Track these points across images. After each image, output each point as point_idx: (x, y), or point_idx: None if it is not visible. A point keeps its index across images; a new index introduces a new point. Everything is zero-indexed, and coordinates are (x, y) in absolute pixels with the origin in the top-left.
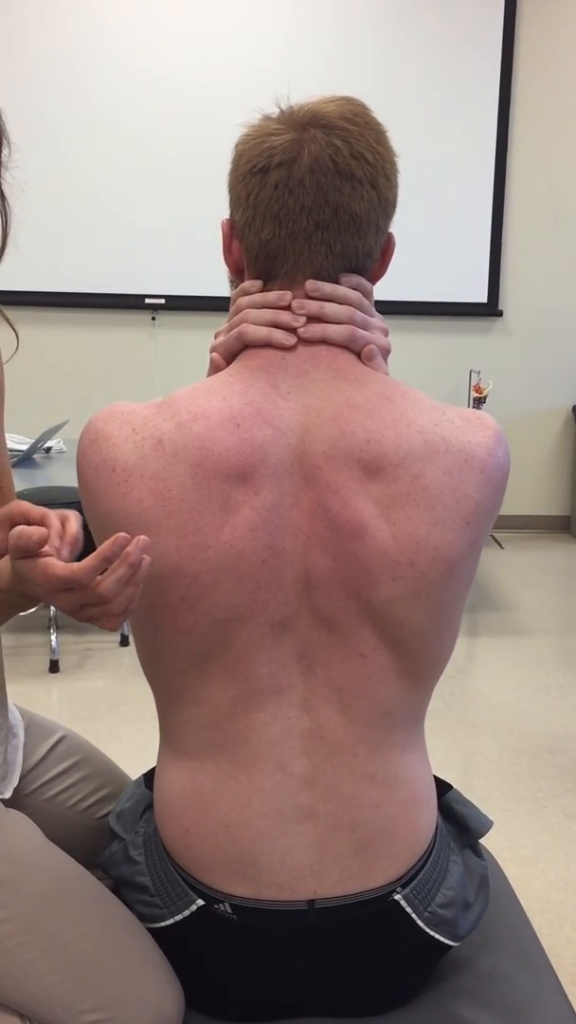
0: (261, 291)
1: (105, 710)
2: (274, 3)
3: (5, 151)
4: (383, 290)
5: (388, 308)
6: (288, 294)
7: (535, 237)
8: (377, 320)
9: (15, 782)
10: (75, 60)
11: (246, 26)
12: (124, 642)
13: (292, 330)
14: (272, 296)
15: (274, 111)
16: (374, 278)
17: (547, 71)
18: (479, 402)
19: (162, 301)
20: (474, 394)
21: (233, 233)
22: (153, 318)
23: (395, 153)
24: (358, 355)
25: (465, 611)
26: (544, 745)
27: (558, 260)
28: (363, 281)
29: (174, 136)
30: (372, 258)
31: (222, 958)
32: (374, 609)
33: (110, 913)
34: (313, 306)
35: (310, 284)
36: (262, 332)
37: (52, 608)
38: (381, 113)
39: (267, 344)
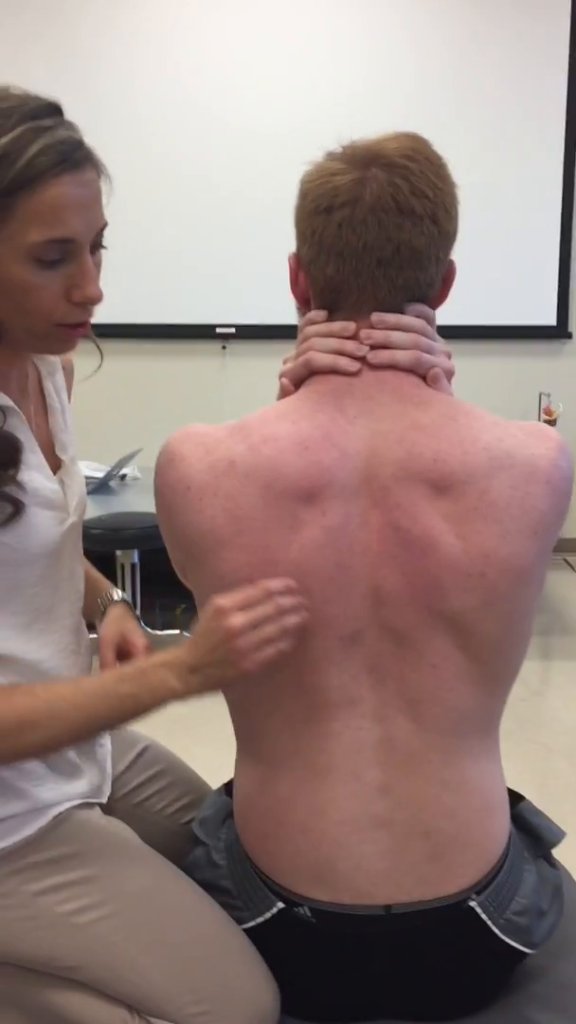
0: (327, 321)
1: (182, 731)
2: (338, 42)
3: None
4: (451, 315)
5: (456, 332)
6: (352, 325)
7: None
8: (440, 345)
9: (108, 789)
10: (144, 98)
11: (314, 63)
12: None
13: (357, 358)
14: (337, 326)
15: (337, 149)
16: (435, 304)
17: None
18: (550, 424)
19: (232, 331)
20: (544, 417)
21: (300, 267)
22: (223, 347)
23: (455, 184)
24: (423, 379)
25: (538, 634)
26: None
27: None
28: (426, 309)
29: (243, 170)
30: (434, 288)
31: (301, 959)
32: (445, 620)
33: (207, 911)
34: (379, 335)
35: (375, 317)
36: (328, 359)
37: None
38: (447, 134)
39: (333, 371)
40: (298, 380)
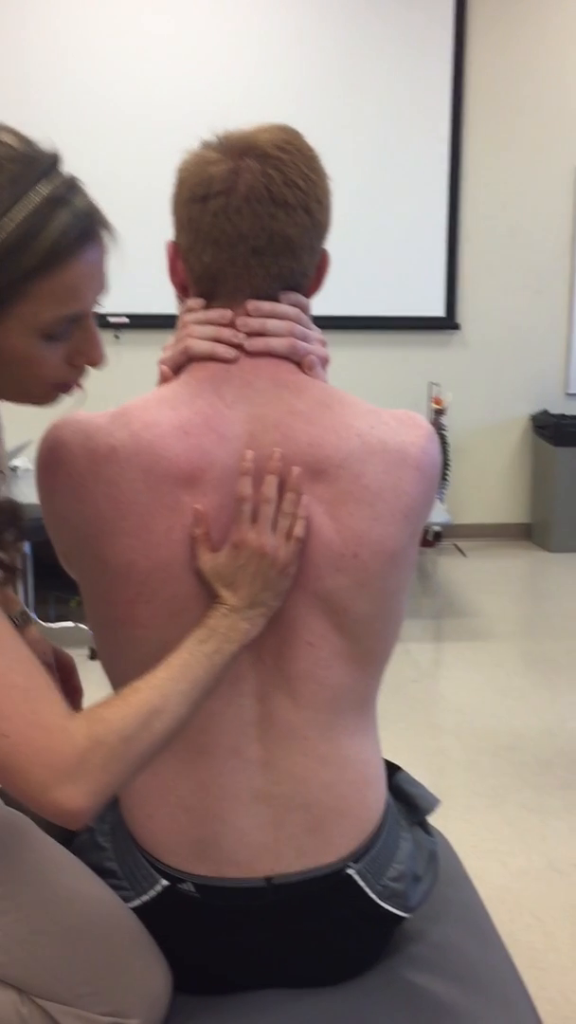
0: (204, 309)
1: None
2: (233, 34)
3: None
4: (342, 305)
5: (348, 323)
6: (229, 312)
7: (489, 252)
8: (315, 333)
9: None
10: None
11: (205, 53)
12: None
13: (234, 345)
14: (214, 314)
15: (212, 139)
16: (310, 293)
17: (497, 89)
18: (439, 414)
19: (125, 320)
20: (434, 406)
21: (177, 255)
22: (116, 336)
23: (328, 176)
24: (299, 366)
25: (430, 617)
26: (504, 743)
27: (512, 274)
28: (300, 298)
29: (129, 158)
30: (307, 276)
31: (187, 935)
32: (320, 600)
33: (98, 894)
34: (255, 323)
35: (251, 305)
36: (206, 346)
37: None
38: (336, 133)
39: (211, 357)
40: (177, 367)
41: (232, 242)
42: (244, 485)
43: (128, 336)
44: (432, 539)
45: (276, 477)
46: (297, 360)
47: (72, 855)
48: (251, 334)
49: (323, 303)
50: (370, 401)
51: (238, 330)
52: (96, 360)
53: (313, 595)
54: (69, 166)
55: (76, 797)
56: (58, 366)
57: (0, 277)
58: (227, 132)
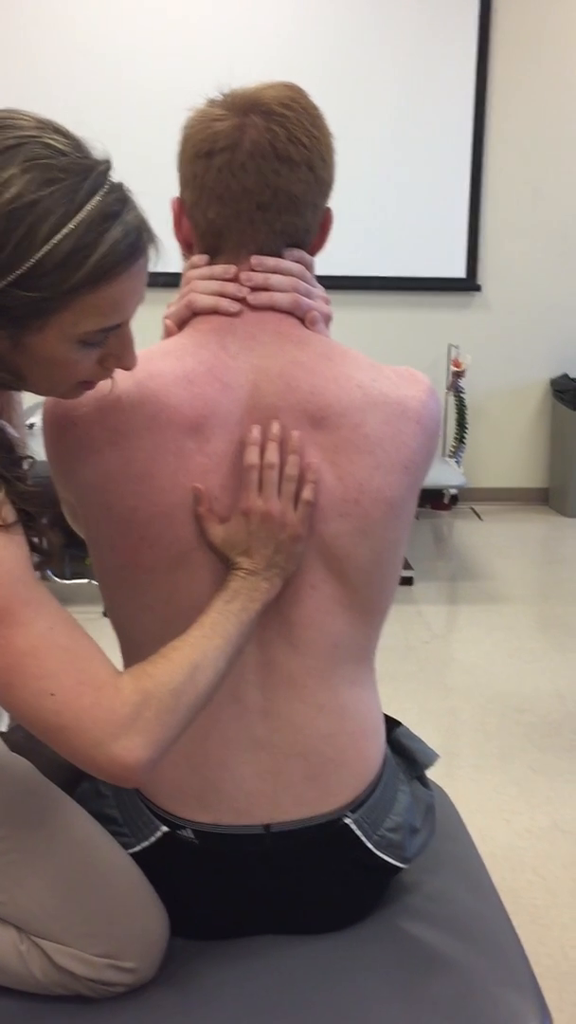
0: (208, 265)
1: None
2: None
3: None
4: (362, 266)
5: (367, 284)
6: (233, 268)
7: (512, 212)
8: (319, 290)
9: (6, 718)
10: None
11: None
12: None
13: (238, 299)
14: (219, 269)
15: (217, 96)
16: (313, 251)
17: (524, 47)
18: (458, 376)
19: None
20: (453, 368)
21: (182, 211)
22: None
23: (331, 135)
24: (302, 322)
25: (444, 580)
26: (513, 705)
27: (535, 235)
28: (304, 254)
29: (142, 117)
30: (311, 233)
31: (185, 881)
32: (324, 544)
33: (97, 838)
34: (259, 278)
35: (255, 259)
36: (210, 300)
37: None
38: (356, 89)
39: (215, 311)
40: (181, 322)
41: (236, 197)
42: (251, 454)
43: (150, 295)
44: (448, 502)
45: (277, 444)
46: (300, 315)
47: (73, 801)
48: (255, 289)
49: (342, 263)
50: (390, 363)
51: (242, 285)
52: (128, 365)
53: (316, 541)
54: (77, 127)
55: (134, 750)
56: (90, 368)
57: (46, 290)
58: (232, 90)
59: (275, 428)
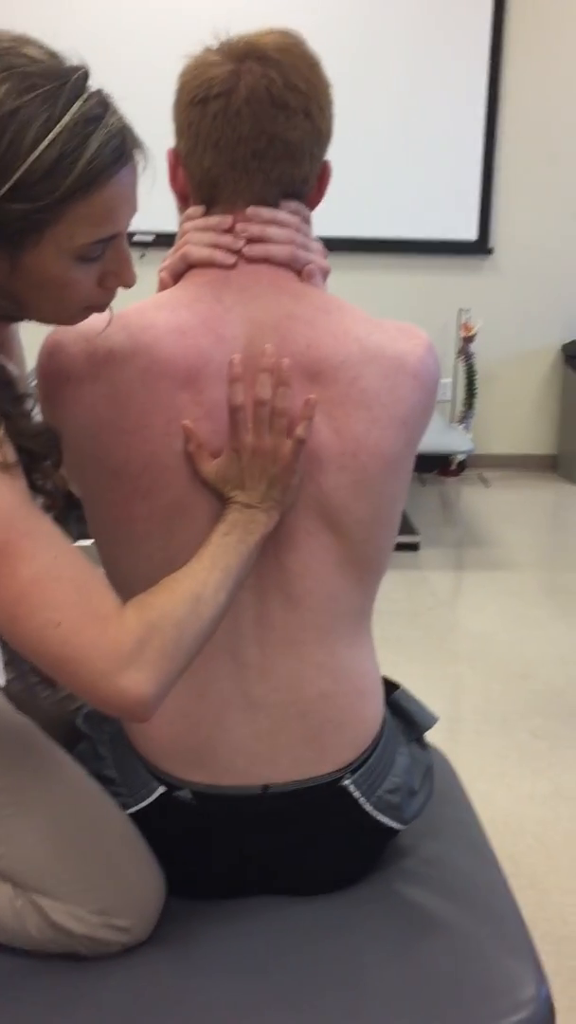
0: (204, 216)
1: None
2: None
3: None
4: (371, 227)
5: (377, 246)
6: (228, 219)
7: (526, 175)
8: (316, 243)
9: (3, 673)
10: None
11: None
12: None
13: (233, 251)
14: (214, 220)
15: (214, 43)
16: (311, 204)
17: (541, 6)
18: (468, 341)
19: (151, 239)
20: (462, 333)
21: (178, 161)
22: (142, 256)
23: (329, 84)
24: (298, 274)
25: (450, 546)
26: (518, 671)
27: (549, 199)
28: (301, 206)
29: (161, 79)
30: (308, 185)
31: (183, 841)
32: (322, 496)
33: (94, 796)
34: (255, 229)
35: (251, 210)
36: (204, 252)
37: None
38: (368, 46)
39: (210, 264)
40: (176, 274)
41: (232, 145)
42: (235, 392)
43: (153, 255)
44: (456, 468)
45: (269, 375)
46: (297, 269)
47: (71, 757)
48: (251, 240)
49: (351, 225)
50: None
51: (237, 236)
52: (128, 281)
53: (312, 495)
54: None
55: (141, 682)
56: (91, 288)
57: (36, 200)
58: (229, 37)
59: (267, 350)
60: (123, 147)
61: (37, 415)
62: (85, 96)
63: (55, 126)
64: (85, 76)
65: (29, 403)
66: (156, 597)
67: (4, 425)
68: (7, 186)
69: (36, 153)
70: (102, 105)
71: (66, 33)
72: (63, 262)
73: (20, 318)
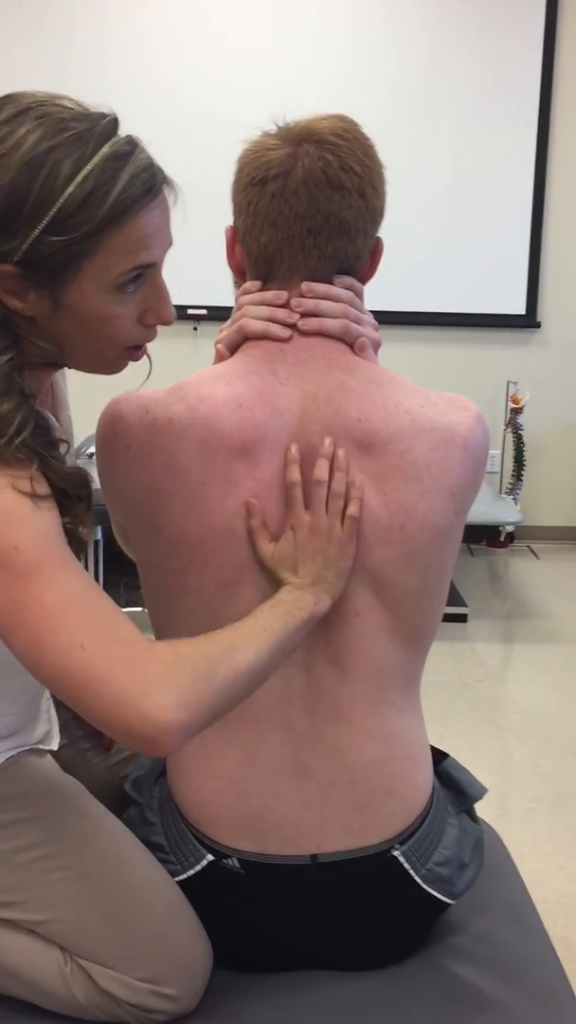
0: (260, 291)
1: None
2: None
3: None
4: (422, 302)
5: (427, 319)
6: (284, 293)
7: (574, 249)
8: (368, 317)
9: (57, 736)
10: (107, 78)
11: (297, 49)
12: None
13: (288, 325)
14: (270, 295)
15: (272, 128)
16: (364, 279)
17: None
18: (516, 412)
19: (204, 312)
20: (511, 405)
21: (236, 239)
22: (195, 328)
23: (383, 165)
24: (351, 347)
25: (499, 618)
26: (569, 747)
27: None
28: (354, 282)
29: (213, 150)
30: (361, 261)
31: (230, 911)
32: (368, 572)
33: (144, 863)
34: (309, 304)
35: (305, 286)
36: (260, 326)
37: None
38: (421, 122)
39: (265, 336)
40: (233, 346)
41: (289, 223)
42: (292, 472)
43: (205, 328)
44: (504, 540)
45: (327, 461)
46: (350, 342)
47: (121, 823)
48: (305, 314)
49: (400, 299)
50: None
51: (292, 311)
52: (166, 317)
53: (361, 567)
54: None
55: (168, 708)
56: (131, 325)
57: (73, 231)
58: (287, 122)
59: (326, 443)
60: (152, 180)
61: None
62: (115, 138)
63: (87, 163)
64: (115, 121)
65: (63, 448)
66: (190, 640)
67: (38, 463)
68: (46, 220)
69: (71, 188)
70: (131, 144)
71: (133, 107)
72: (103, 297)
73: (61, 364)
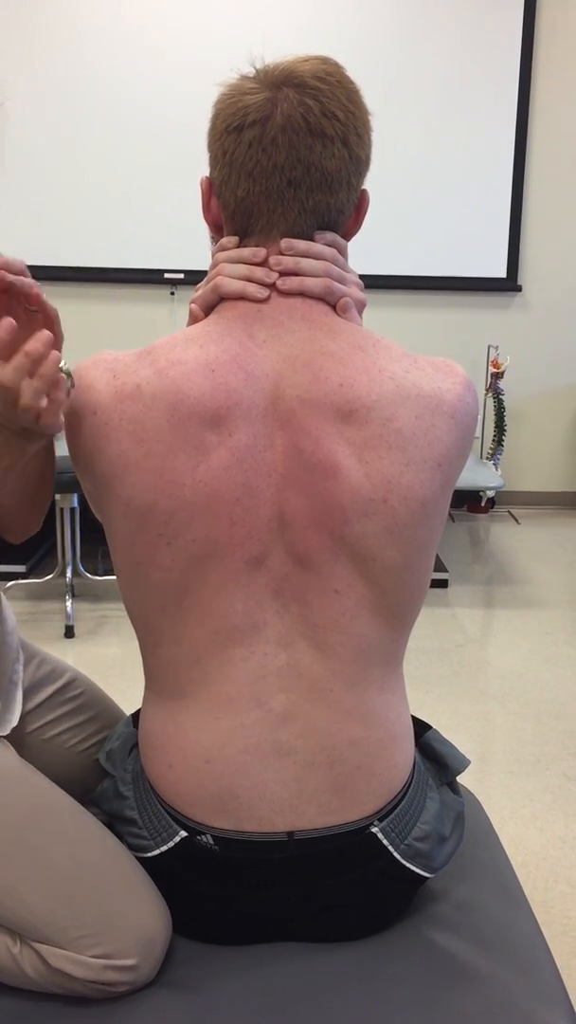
0: (237, 247)
1: (117, 674)
2: None
3: None
4: (402, 265)
5: (407, 283)
6: (262, 251)
7: (556, 211)
8: (352, 275)
9: (14, 722)
10: (82, 42)
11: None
12: None
13: (266, 284)
14: (247, 252)
15: (250, 70)
16: (348, 235)
17: (570, 38)
18: (496, 377)
19: (181, 276)
20: (492, 369)
21: (212, 191)
22: (172, 293)
23: (368, 111)
24: (333, 308)
25: (480, 583)
26: (549, 711)
27: None
28: (337, 238)
29: (191, 112)
30: (345, 215)
31: (205, 887)
32: (348, 545)
33: (93, 837)
34: (289, 262)
35: (284, 243)
36: (237, 285)
37: (68, 575)
38: (400, 80)
39: (242, 297)
40: (208, 306)
41: (267, 174)
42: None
43: (183, 292)
44: (485, 505)
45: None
46: (332, 302)
47: (70, 799)
48: (284, 273)
49: (380, 262)
50: None
51: (271, 269)
52: None
53: (340, 540)
54: (126, 123)
55: None
56: None
57: None
58: (266, 64)
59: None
60: None
61: (62, 456)
62: None
63: None
64: None
65: None
66: None
67: None
68: None
69: None
70: None
71: (102, 57)
72: None
73: None
